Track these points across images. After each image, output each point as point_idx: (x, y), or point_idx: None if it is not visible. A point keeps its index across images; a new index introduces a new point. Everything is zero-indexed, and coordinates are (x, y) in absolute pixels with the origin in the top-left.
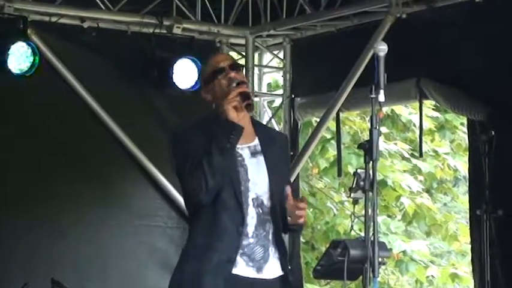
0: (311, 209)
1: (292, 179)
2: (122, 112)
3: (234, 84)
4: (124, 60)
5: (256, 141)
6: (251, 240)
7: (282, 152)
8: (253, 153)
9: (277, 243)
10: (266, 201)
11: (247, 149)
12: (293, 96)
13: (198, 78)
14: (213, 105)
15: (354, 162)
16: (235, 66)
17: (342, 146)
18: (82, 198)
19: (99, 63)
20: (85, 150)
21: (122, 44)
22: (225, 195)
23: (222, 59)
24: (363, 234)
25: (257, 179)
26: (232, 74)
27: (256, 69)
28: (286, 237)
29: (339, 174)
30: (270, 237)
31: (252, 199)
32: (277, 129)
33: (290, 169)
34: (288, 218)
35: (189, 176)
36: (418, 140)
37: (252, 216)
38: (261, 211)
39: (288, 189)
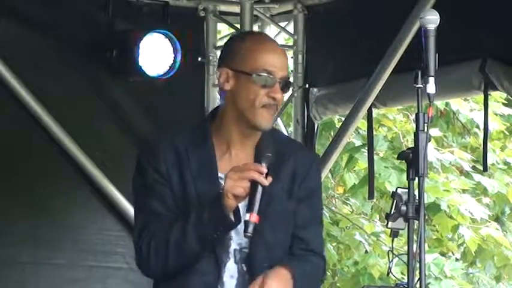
0: (334, 244)
1: None
2: (67, 108)
3: (270, 108)
4: (69, 36)
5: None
6: None
7: (299, 183)
8: None
9: None
10: None
11: None
12: (307, 85)
13: (182, 55)
14: (227, 100)
15: (394, 180)
16: (287, 84)
17: (375, 157)
18: (11, 227)
19: (32, 39)
20: (14, 161)
21: (65, 13)
22: None
23: (280, 62)
24: (405, 279)
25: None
26: (279, 96)
27: None
28: None
29: (371, 196)
30: None
31: (234, 250)
32: (285, 132)
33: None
34: None
35: (145, 240)
36: (483, 147)
37: (231, 275)
38: (245, 269)
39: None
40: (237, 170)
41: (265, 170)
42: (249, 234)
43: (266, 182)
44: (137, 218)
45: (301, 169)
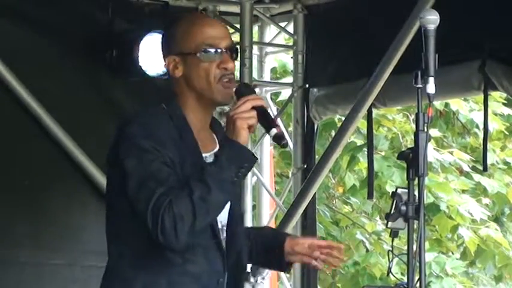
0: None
1: (306, 201)
2: (67, 109)
3: (226, 79)
4: (69, 36)
5: (217, 146)
6: None
7: None
8: None
9: None
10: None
11: (211, 159)
12: (307, 86)
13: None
14: (181, 87)
15: (397, 179)
16: (235, 51)
17: (377, 156)
18: (11, 227)
19: (32, 39)
20: (14, 161)
21: (65, 13)
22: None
23: (220, 32)
24: (405, 279)
25: None
26: (230, 65)
27: (255, 49)
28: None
29: (370, 196)
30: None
31: (221, 229)
32: (284, 132)
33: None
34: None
35: (163, 206)
36: (482, 147)
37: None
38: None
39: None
40: (236, 108)
41: (256, 95)
42: (285, 142)
43: (263, 102)
44: (151, 195)
45: None
